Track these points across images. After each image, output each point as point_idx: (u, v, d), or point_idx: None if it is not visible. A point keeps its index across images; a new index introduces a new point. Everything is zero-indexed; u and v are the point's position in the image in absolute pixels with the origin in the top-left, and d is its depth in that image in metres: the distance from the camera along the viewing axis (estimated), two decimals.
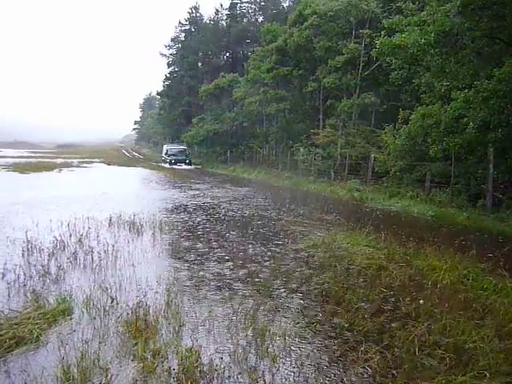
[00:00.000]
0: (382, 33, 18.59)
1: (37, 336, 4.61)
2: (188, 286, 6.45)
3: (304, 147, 30.60)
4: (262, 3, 62.16)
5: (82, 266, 7.27)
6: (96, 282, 6.31)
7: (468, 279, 6.58)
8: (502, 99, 13.59)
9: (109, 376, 3.84)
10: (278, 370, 4.13)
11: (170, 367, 4.00)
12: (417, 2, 23.36)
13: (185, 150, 51.82)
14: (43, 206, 13.51)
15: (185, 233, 10.41)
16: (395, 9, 26.06)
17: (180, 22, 67.37)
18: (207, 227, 11.25)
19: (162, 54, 69.52)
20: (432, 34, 14.99)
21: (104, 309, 5.33)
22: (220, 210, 14.38)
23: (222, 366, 4.08)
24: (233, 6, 61.65)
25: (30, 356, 4.30)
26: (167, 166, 46.06)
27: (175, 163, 46.29)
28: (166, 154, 51.20)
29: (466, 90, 14.66)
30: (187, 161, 47.24)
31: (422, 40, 15.23)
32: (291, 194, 20.79)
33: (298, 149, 31.23)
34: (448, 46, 15.49)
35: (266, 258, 8.16)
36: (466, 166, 16.56)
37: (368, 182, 22.35)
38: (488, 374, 3.92)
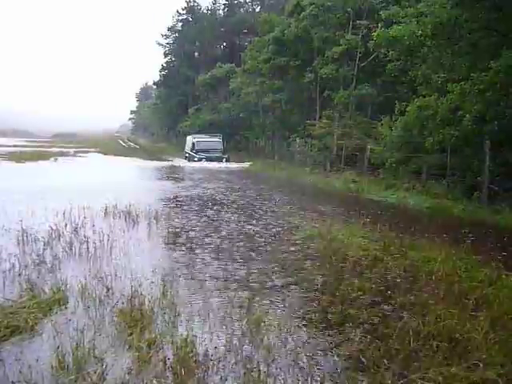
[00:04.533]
0: (380, 24, 18.56)
1: (32, 325, 4.61)
2: (183, 277, 6.46)
3: (300, 138, 30.58)
4: None
5: (77, 255, 7.27)
6: (91, 272, 6.31)
7: (463, 271, 6.59)
8: (499, 91, 13.58)
9: (104, 365, 3.83)
10: (273, 360, 4.13)
11: (165, 357, 4.00)
12: None
13: (220, 142, 39.72)
14: (38, 195, 13.45)
15: (177, 224, 10.42)
16: (393, 0, 26.01)
17: (177, 11, 67.00)
18: (203, 219, 11.27)
19: (158, 44, 69.14)
20: (429, 26, 14.97)
21: (99, 298, 5.32)
22: (215, 201, 14.38)
23: (218, 356, 4.09)
24: None
25: (25, 345, 4.30)
26: (196, 164, 34.68)
27: (208, 161, 35.18)
28: (191, 149, 38.49)
29: (463, 82, 14.64)
30: (224, 158, 36.54)
31: (419, 32, 15.22)
32: (287, 185, 20.77)
33: (295, 140, 31.21)
34: (445, 37, 15.46)
35: (261, 250, 8.18)
36: (462, 158, 16.56)
37: (364, 173, 22.33)
38: (482, 365, 3.93)
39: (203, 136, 40.29)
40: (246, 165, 33.89)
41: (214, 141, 39.12)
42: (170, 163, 36.38)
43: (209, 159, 35.37)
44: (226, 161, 35.85)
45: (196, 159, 36.21)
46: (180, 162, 38.48)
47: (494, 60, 13.70)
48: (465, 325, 4.66)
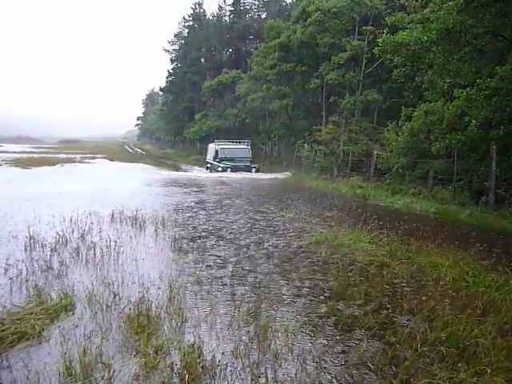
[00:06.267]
0: (385, 30, 18.57)
1: (39, 331, 4.63)
2: (190, 282, 6.47)
3: (307, 144, 30.60)
4: None
5: (84, 261, 7.29)
6: (98, 278, 6.33)
7: (470, 276, 6.57)
8: (505, 97, 13.54)
9: (111, 371, 3.84)
10: (280, 366, 4.13)
11: (172, 363, 4.01)
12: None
13: (248, 150, 33.98)
14: (45, 201, 13.52)
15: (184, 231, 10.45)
16: (398, 6, 26.07)
17: (183, 18, 67.42)
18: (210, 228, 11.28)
19: (165, 50, 69.49)
20: (435, 32, 14.95)
21: (106, 304, 5.34)
22: (221, 207, 14.40)
23: (225, 362, 4.09)
24: (236, 2, 61.47)
25: (33, 351, 4.31)
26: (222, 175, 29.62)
27: (234, 171, 30.05)
28: (215, 157, 32.89)
29: (469, 88, 14.62)
30: (253, 168, 31.32)
31: (425, 37, 15.20)
32: (294, 191, 20.72)
33: (302, 145, 31.19)
34: (451, 43, 15.45)
35: (270, 255, 8.18)
36: (469, 163, 16.55)
37: (370, 178, 22.34)
38: (490, 371, 3.92)
39: (228, 143, 35.38)
40: (283, 176, 29.29)
41: (241, 148, 34.06)
42: (189, 174, 32.75)
43: (235, 169, 30.45)
44: (256, 171, 30.98)
45: (220, 169, 31.11)
46: (193, 170, 37.02)
47: (500, 66, 13.69)
48: (472, 330, 4.64)
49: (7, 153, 49.73)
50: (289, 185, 24.42)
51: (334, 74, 29.20)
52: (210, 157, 34.97)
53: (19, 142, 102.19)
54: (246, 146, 34.29)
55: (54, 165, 33.31)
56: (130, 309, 5.12)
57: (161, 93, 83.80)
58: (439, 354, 4.25)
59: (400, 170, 19.59)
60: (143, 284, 5.99)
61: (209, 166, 35.02)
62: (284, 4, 60.63)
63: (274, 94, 36.73)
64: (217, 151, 32.80)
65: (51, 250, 7.75)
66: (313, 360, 4.27)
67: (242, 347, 4.40)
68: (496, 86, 13.48)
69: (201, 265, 7.33)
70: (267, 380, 3.84)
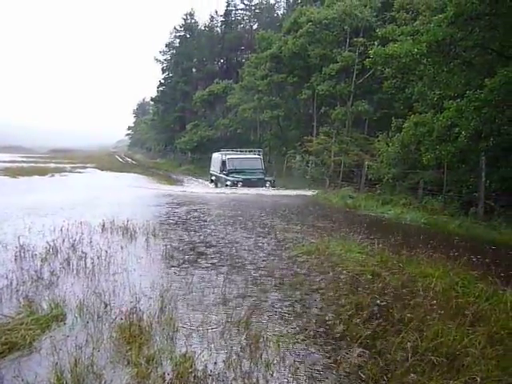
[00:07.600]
0: (376, 42, 18.76)
1: (30, 342, 4.60)
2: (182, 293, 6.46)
3: (298, 154, 30.66)
4: (257, 10, 62.58)
5: (75, 271, 7.24)
6: (89, 288, 6.29)
7: (460, 286, 6.61)
8: (494, 109, 13.69)
9: (103, 382, 3.84)
10: (272, 375, 4.14)
11: (164, 373, 4.00)
12: (410, 12, 23.66)
13: (260, 160, 29.25)
14: (35, 212, 13.42)
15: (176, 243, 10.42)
16: (389, 18, 26.36)
17: (175, 28, 67.62)
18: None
19: (156, 60, 69.60)
20: (425, 44, 15.12)
21: (98, 314, 5.32)
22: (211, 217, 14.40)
23: (217, 372, 4.09)
24: (228, 13, 61.96)
25: (23, 362, 4.29)
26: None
27: (245, 186, 25.65)
28: (221, 169, 28.40)
29: (459, 100, 14.76)
30: (267, 182, 26.83)
31: (415, 50, 15.36)
32: (284, 201, 20.75)
33: (293, 156, 31.25)
34: (440, 55, 15.62)
35: (259, 265, 8.18)
36: (459, 174, 16.68)
37: (361, 189, 22.43)
38: (479, 380, 3.95)
39: (237, 152, 30.90)
40: (309, 192, 24.32)
41: (252, 158, 29.58)
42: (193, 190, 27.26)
43: (246, 183, 26.11)
44: (271, 185, 26.62)
45: (229, 183, 26.74)
46: (190, 181, 35.34)
47: (489, 78, 13.84)
48: (462, 340, 4.67)
49: None
50: (278, 195, 24.37)
51: (325, 85, 29.40)
52: (215, 168, 30.53)
53: (9, 151, 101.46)
54: (257, 156, 29.85)
55: (44, 175, 33.17)
56: (122, 319, 5.10)
57: (152, 103, 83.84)
58: (430, 364, 4.27)
59: (390, 181, 19.71)
60: (134, 294, 5.98)
61: (214, 178, 30.75)
62: (275, 15, 61.18)
63: (265, 105, 36.90)
64: (224, 162, 28.31)
65: (41, 259, 7.70)
66: (304, 370, 4.28)
67: (234, 357, 4.40)
68: (486, 97, 13.63)
69: (192, 274, 7.33)
70: None
